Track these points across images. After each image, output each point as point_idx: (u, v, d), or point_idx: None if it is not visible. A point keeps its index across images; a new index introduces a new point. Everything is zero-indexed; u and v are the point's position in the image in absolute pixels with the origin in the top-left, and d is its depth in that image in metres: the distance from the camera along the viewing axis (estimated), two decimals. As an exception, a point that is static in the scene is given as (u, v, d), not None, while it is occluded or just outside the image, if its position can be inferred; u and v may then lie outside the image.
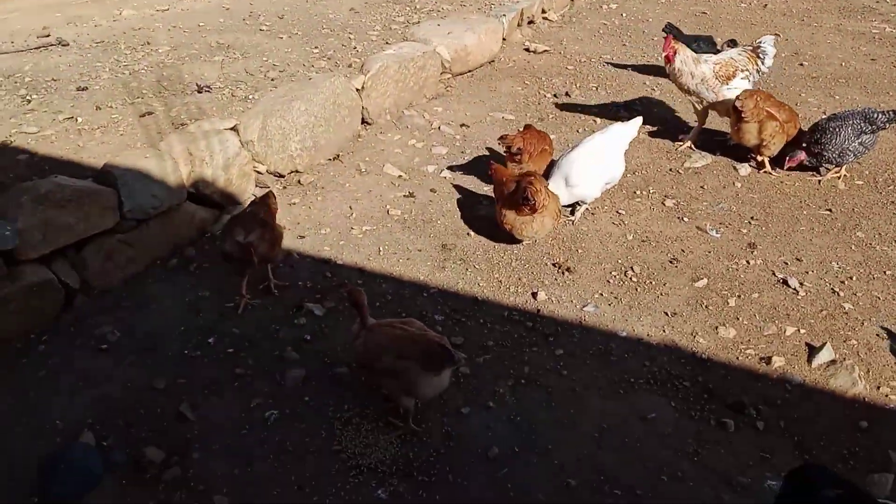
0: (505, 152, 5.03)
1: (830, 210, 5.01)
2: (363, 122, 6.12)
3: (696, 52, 5.77)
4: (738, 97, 5.31)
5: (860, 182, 5.36)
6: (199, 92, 5.68)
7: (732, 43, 7.53)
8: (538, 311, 4.08)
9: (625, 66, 7.42)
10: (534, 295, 4.19)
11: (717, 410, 3.45)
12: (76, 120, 5.15)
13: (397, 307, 4.11)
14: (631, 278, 4.33)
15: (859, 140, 5.07)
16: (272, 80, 5.95)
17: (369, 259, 4.55)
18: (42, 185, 3.91)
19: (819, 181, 5.30)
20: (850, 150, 5.09)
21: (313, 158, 5.56)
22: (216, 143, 4.81)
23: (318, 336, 3.90)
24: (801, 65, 7.59)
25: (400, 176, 5.45)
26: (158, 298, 4.15)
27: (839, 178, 5.31)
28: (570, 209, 4.95)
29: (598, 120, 6.28)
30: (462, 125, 6.22)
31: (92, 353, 3.74)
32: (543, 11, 8.68)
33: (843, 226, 4.84)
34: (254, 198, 4.69)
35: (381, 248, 4.64)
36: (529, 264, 4.48)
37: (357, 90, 5.99)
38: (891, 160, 5.69)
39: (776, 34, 6.13)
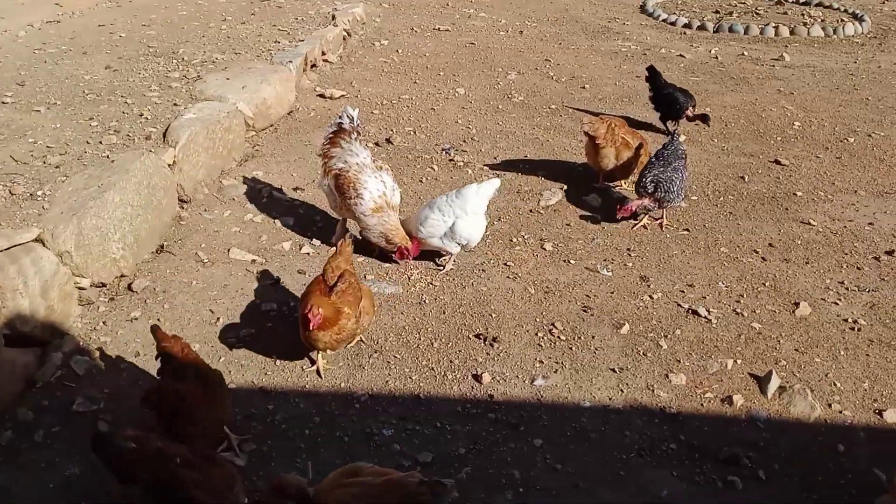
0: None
1: (688, 230, 5.23)
2: (180, 201, 5.19)
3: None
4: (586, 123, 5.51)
5: (695, 197, 5.70)
6: (-37, 194, 4.37)
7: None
8: (491, 396, 3.66)
9: (430, 107, 7.24)
10: (476, 378, 3.76)
11: (716, 469, 3.29)
12: None
13: (333, 430, 3.43)
14: (559, 337, 4.08)
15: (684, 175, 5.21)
16: (57, 167, 4.78)
17: (267, 374, 3.78)
18: None
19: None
20: (682, 187, 5.17)
21: (137, 256, 4.57)
22: (28, 264, 3.69)
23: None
24: (584, 88, 8.01)
25: (254, 260, 4.68)
26: (12, 494, 3.01)
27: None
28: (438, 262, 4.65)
29: (436, 168, 6.00)
30: (296, 188, 5.56)
31: None
32: (323, 53, 8.23)
33: (706, 244, 5.06)
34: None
35: (275, 357, 3.88)
36: (451, 341, 4.04)
37: (168, 165, 5.07)
38: (706, 171, 6.15)
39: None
